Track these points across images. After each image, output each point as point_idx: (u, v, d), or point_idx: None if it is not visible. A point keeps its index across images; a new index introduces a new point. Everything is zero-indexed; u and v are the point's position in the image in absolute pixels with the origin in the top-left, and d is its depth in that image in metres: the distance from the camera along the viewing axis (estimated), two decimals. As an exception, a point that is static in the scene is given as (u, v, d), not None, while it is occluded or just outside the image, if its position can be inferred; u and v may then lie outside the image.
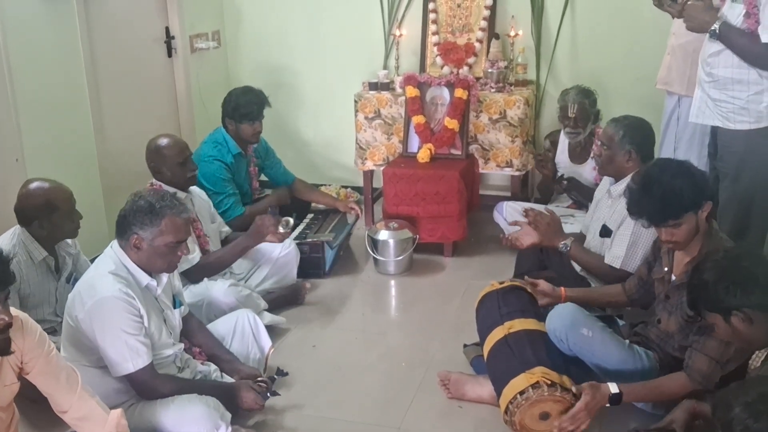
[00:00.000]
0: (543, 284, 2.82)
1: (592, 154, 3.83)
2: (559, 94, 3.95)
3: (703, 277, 2.04)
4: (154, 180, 3.21)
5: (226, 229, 3.52)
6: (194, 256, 3.14)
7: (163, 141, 3.23)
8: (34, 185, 2.77)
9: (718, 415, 1.61)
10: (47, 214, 2.72)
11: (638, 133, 2.99)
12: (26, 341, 1.95)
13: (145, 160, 3.25)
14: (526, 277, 2.88)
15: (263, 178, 4.22)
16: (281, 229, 3.30)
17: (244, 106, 3.82)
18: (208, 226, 3.35)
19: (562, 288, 2.84)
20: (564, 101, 3.84)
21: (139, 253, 2.39)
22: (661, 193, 2.31)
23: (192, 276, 3.14)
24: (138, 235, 2.36)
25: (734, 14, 2.78)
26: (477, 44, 4.45)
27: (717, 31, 2.79)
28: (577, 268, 3.17)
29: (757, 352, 2.05)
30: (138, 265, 2.41)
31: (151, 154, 3.22)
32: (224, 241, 3.48)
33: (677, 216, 2.32)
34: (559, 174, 3.94)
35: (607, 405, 2.34)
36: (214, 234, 3.39)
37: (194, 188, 3.33)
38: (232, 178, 3.79)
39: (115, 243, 2.44)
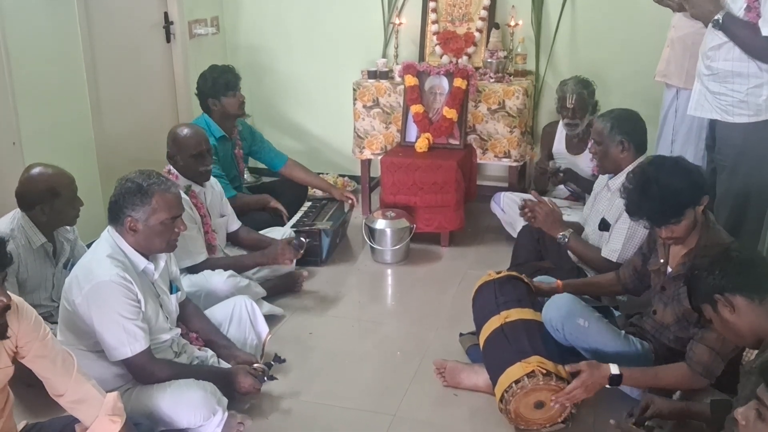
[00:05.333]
0: (540, 286, 2.84)
1: (589, 145, 3.84)
2: (558, 84, 3.94)
3: (694, 266, 2.08)
4: (171, 168, 3.21)
5: (236, 225, 3.51)
6: (200, 254, 3.15)
7: (183, 131, 3.24)
8: (37, 170, 2.76)
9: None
10: (49, 200, 2.72)
11: (626, 123, 3.00)
12: (21, 325, 1.94)
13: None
14: (531, 280, 2.89)
15: (261, 165, 4.21)
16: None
17: (220, 78, 3.81)
18: (216, 221, 3.35)
19: (558, 281, 2.86)
20: (562, 92, 3.83)
21: (136, 236, 2.38)
22: (660, 194, 2.31)
23: (194, 270, 3.15)
24: (131, 217, 2.35)
25: (736, 8, 2.78)
26: (476, 34, 4.44)
27: (720, 21, 2.79)
28: (574, 258, 3.18)
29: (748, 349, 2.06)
30: (136, 249, 2.40)
31: (169, 141, 3.22)
32: (233, 234, 3.49)
33: (678, 215, 2.33)
34: (556, 165, 3.95)
35: (607, 386, 2.35)
36: (220, 228, 3.40)
37: (210, 181, 3.32)
38: (217, 160, 3.76)
39: (110, 228, 2.43)
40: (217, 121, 3.84)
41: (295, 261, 3.52)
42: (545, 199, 3.22)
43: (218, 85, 3.80)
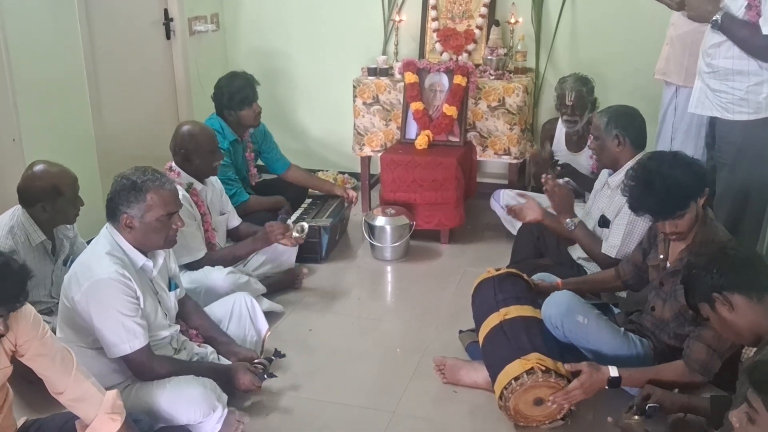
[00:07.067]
0: (540, 286, 2.85)
1: (589, 143, 3.84)
2: (557, 82, 3.94)
3: (690, 265, 2.07)
4: (173, 165, 3.20)
5: (236, 221, 3.51)
6: (199, 251, 3.15)
7: (195, 129, 3.25)
8: (40, 168, 2.76)
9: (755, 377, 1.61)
10: (51, 199, 2.72)
11: (623, 117, 3.00)
12: (20, 324, 1.93)
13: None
14: (532, 280, 2.89)
15: (260, 163, 4.22)
16: (296, 234, 3.32)
17: (238, 93, 3.81)
18: (216, 218, 3.35)
19: (559, 280, 2.87)
20: (561, 89, 3.83)
21: (133, 233, 2.37)
22: (664, 186, 2.31)
23: (193, 266, 3.14)
24: (127, 214, 2.34)
25: (736, 6, 2.78)
26: (477, 31, 4.44)
27: (719, 22, 2.79)
28: (574, 256, 3.19)
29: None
30: (134, 246, 2.40)
31: (182, 141, 3.18)
32: (234, 231, 3.49)
33: (684, 207, 2.32)
34: (554, 159, 3.95)
35: (606, 387, 2.36)
36: (220, 226, 3.39)
37: (210, 179, 3.32)
38: (231, 163, 3.79)
39: (109, 224, 2.43)
40: (231, 126, 3.85)
41: (295, 253, 3.51)
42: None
43: (235, 100, 3.81)
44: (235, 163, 3.87)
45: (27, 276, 1.85)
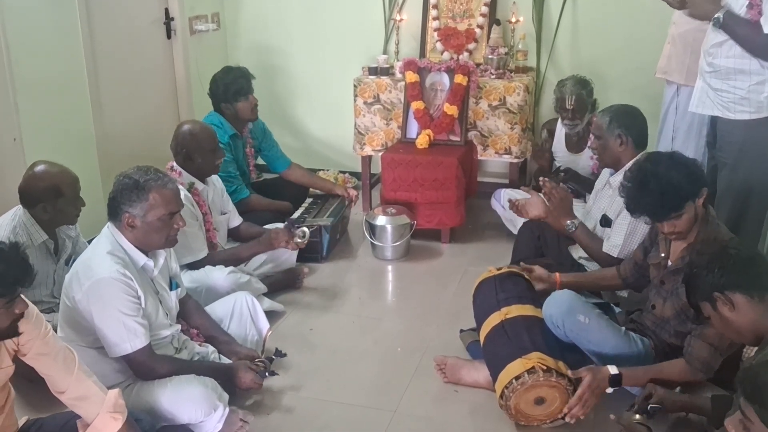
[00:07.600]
0: (538, 270, 2.84)
1: (589, 143, 3.83)
2: (556, 85, 3.93)
3: (692, 264, 2.08)
4: (174, 164, 3.19)
5: (237, 221, 3.50)
6: (201, 251, 3.15)
7: (196, 127, 3.25)
8: (41, 168, 2.76)
9: (745, 386, 1.61)
10: (52, 199, 2.72)
11: (625, 117, 3.00)
12: (22, 324, 1.93)
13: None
14: (522, 263, 2.89)
15: (260, 162, 4.22)
16: (297, 240, 3.31)
17: (233, 84, 3.82)
18: (217, 218, 3.35)
19: (557, 273, 2.86)
20: (561, 92, 3.82)
21: (134, 232, 2.37)
22: (659, 188, 2.31)
23: (195, 266, 3.14)
24: (129, 213, 2.34)
25: (738, 4, 2.78)
26: (478, 30, 4.44)
27: (720, 20, 2.79)
28: (575, 255, 3.19)
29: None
30: (135, 245, 2.40)
31: (183, 140, 3.18)
32: (235, 230, 3.49)
33: (679, 208, 2.32)
34: (556, 166, 3.94)
35: (609, 390, 2.36)
36: (221, 226, 3.39)
37: (211, 179, 3.32)
38: (233, 159, 3.79)
39: (110, 224, 2.43)
40: (230, 121, 3.85)
41: (296, 253, 3.51)
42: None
43: (230, 92, 3.82)
44: (235, 158, 3.86)
45: (24, 251, 1.87)
